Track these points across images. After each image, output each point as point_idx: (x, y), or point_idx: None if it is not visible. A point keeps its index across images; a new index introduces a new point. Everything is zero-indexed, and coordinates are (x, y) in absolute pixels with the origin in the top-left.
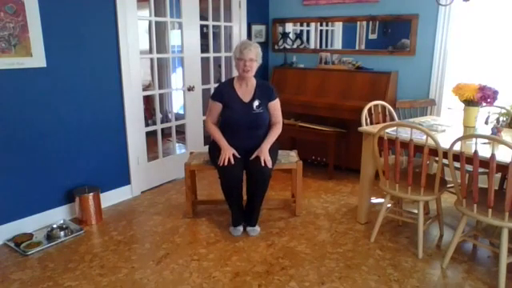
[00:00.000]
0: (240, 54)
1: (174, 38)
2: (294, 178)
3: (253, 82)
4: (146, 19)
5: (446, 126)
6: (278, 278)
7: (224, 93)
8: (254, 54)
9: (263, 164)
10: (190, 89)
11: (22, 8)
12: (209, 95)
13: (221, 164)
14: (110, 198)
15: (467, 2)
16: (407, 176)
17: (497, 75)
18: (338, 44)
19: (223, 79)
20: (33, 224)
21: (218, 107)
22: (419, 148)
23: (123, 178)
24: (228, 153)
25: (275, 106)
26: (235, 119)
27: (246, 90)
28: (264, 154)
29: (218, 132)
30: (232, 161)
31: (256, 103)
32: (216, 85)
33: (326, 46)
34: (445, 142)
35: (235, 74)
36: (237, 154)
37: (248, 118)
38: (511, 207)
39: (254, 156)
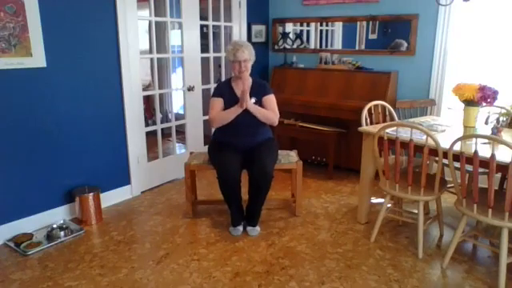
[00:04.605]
0: (234, 57)
1: (174, 37)
2: (294, 178)
3: (249, 80)
4: (146, 19)
5: (446, 126)
6: (278, 278)
7: (223, 90)
8: (248, 54)
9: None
10: (190, 89)
11: (21, 8)
12: (209, 95)
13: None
14: (110, 198)
15: (467, 1)
16: (407, 176)
17: (497, 75)
18: (338, 44)
19: (223, 79)
20: (33, 224)
21: (220, 103)
22: (419, 148)
23: (123, 178)
24: (242, 98)
25: (270, 99)
26: (234, 119)
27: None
28: (246, 95)
29: (224, 111)
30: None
31: (253, 100)
32: (216, 85)
33: (326, 45)
34: (445, 142)
35: None
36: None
37: (246, 115)
38: (511, 207)
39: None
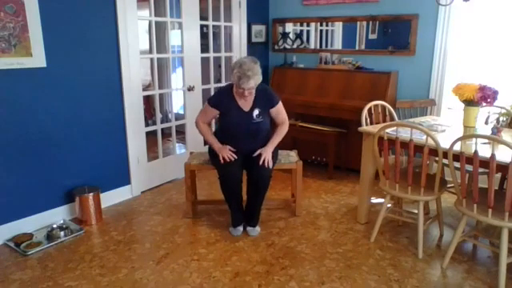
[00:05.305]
0: (238, 84)
1: (174, 37)
2: (294, 177)
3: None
4: (146, 19)
5: (446, 126)
6: (277, 278)
7: (223, 101)
8: (254, 83)
9: (261, 163)
10: (190, 89)
11: (21, 8)
12: (209, 95)
13: (223, 162)
14: (110, 198)
15: (467, 1)
16: (407, 176)
17: (497, 75)
18: (338, 44)
19: (223, 79)
20: (33, 224)
21: (214, 113)
22: (419, 148)
23: (123, 178)
24: (224, 152)
25: (278, 109)
26: (235, 127)
27: (246, 99)
28: (267, 153)
29: (210, 133)
30: (233, 157)
31: (256, 112)
32: (216, 85)
33: (326, 46)
34: (445, 142)
35: None
36: (232, 149)
37: (248, 127)
38: (511, 207)
39: (256, 153)
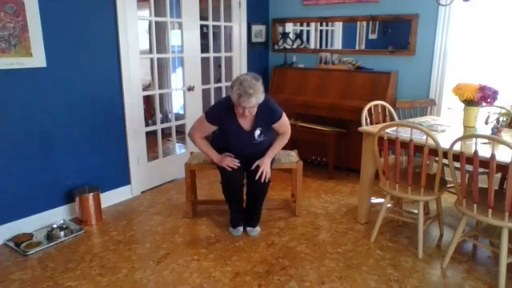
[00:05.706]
0: (239, 102)
1: (174, 37)
2: (294, 178)
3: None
4: (146, 19)
5: (446, 126)
6: (278, 278)
7: (222, 117)
8: (256, 101)
9: (257, 177)
10: (190, 89)
11: (21, 8)
12: (209, 95)
13: (230, 169)
14: (110, 198)
15: (467, 1)
16: (407, 176)
17: (497, 75)
18: (338, 44)
19: (223, 79)
20: (33, 224)
21: (211, 129)
22: (419, 148)
23: (123, 178)
24: (226, 162)
25: (281, 124)
26: (235, 144)
27: (246, 118)
28: (265, 165)
29: (207, 146)
30: (236, 163)
31: (257, 132)
32: (216, 85)
33: (326, 46)
34: (445, 142)
35: (235, 74)
36: (232, 155)
37: (248, 145)
38: (511, 207)
39: (254, 166)
